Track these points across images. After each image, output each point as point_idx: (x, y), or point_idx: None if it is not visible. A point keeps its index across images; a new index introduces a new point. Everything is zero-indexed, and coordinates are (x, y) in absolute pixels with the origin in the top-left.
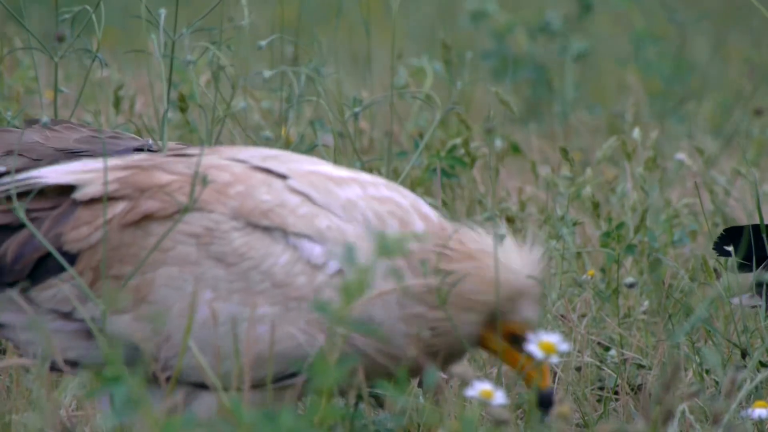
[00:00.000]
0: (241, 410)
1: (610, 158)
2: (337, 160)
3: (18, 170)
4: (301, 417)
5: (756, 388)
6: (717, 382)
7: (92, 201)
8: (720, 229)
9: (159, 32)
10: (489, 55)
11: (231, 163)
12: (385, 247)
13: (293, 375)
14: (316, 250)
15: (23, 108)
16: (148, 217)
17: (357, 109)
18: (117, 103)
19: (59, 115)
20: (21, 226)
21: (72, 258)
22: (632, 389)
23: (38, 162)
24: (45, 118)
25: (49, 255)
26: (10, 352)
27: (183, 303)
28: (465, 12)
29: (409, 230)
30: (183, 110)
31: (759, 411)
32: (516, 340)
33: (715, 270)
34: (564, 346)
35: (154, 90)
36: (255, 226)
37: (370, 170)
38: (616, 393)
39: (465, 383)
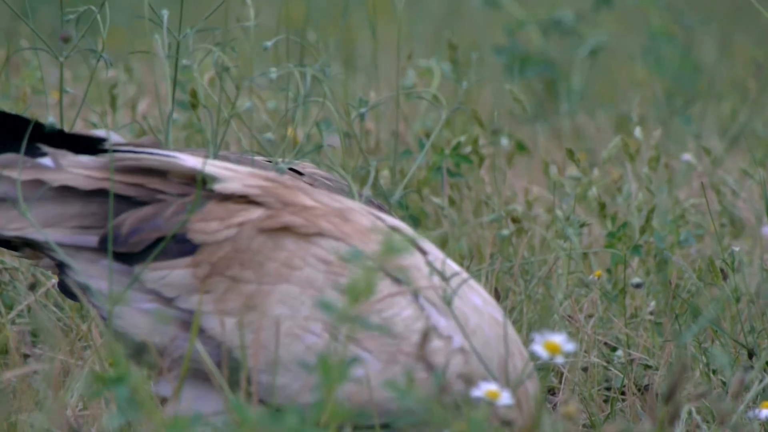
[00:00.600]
0: (245, 410)
1: (617, 158)
2: (343, 161)
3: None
4: (306, 417)
5: (763, 388)
6: (724, 383)
7: (228, 198)
8: (727, 230)
9: (163, 33)
10: (502, 51)
11: (370, 214)
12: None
13: (386, 426)
14: (441, 321)
15: (29, 107)
16: (286, 230)
17: (363, 110)
18: (113, 101)
19: (65, 116)
20: (145, 202)
21: (192, 248)
22: (639, 390)
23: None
24: (50, 119)
25: (166, 238)
26: (13, 356)
27: (293, 323)
28: (473, 8)
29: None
30: (194, 107)
31: (766, 412)
32: None
33: (722, 270)
34: (570, 346)
35: (159, 90)
36: (388, 274)
37: (377, 171)
38: (623, 393)
39: (470, 383)
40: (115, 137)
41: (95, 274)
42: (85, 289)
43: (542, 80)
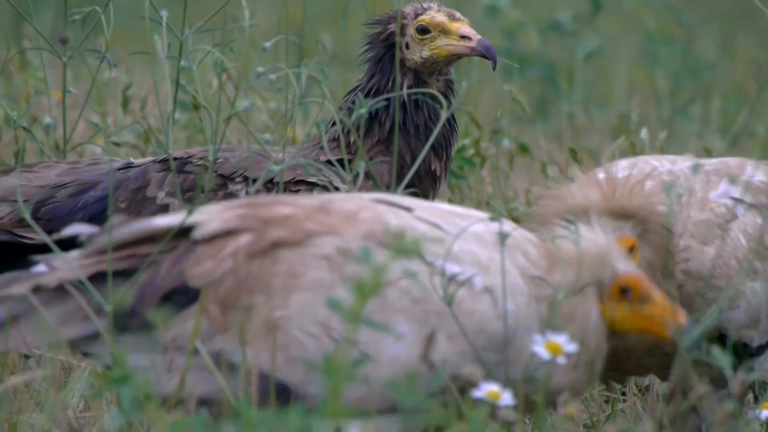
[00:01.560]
0: (248, 410)
1: (619, 158)
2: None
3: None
4: (310, 415)
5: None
6: (726, 384)
7: (213, 238)
8: None
9: (162, 33)
10: (499, 53)
11: (353, 196)
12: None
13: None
14: (454, 269)
15: (30, 108)
16: (276, 245)
17: (363, 110)
18: (125, 103)
19: (67, 116)
20: (136, 270)
21: (194, 294)
22: (640, 390)
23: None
24: (48, 119)
25: (170, 295)
26: (13, 356)
27: (315, 327)
28: (474, 9)
29: (527, 257)
30: (196, 108)
31: (767, 413)
32: (625, 293)
33: None
34: (571, 347)
35: (160, 91)
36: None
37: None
38: (623, 394)
39: (472, 384)
40: (85, 230)
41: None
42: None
43: (541, 81)
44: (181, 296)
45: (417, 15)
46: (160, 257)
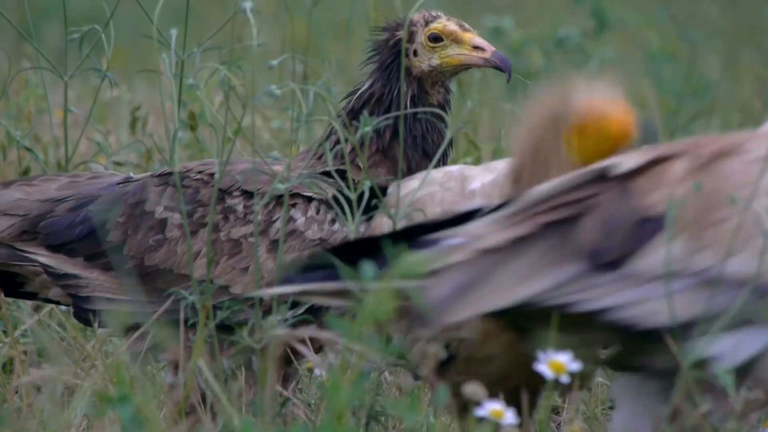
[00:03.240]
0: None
1: None
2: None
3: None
4: None
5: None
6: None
7: (639, 171)
8: None
9: (170, 52)
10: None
11: None
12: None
13: None
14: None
15: (33, 127)
16: (715, 158)
17: (367, 128)
18: (134, 123)
19: (69, 135)
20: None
21: (655, 224)
22: None
23: (26, 216)
24: (52, 136)
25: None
26: (18, 374)
27: None
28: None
29: None
30: (193, 129)
31: None
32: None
33: None
34: (574, 365)
35: (164, 109)
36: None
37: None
38: None
39: (475, 402)
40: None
41: (607, 293)
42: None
43: None
44: (644, 227)
45: (428, 22)
46: (589, 203)
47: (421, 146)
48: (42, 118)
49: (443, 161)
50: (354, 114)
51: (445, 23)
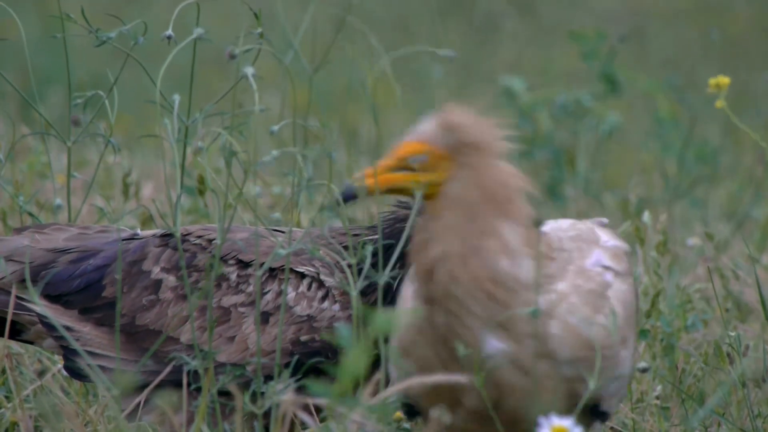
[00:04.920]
0: None
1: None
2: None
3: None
4: None
5: None
6: None
7: None
8: (732, 314)
9: (173, 117)
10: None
11: None
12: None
13: None
14: None
15: (36, 193)
16: None
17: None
18: (126, 189)
19: (72, 201)
20: None
21: None
22: None
23: (32, 264)
24: (58, 201)
25: None
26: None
27: None
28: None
29: None
30: (201, 193)
31: None
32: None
33: (728, 355)
34: (577, 430)
35: (166, 174)
36: None
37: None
38: None
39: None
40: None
41: None
42: None
43: (549, 163)
44: None
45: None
46: None
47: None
48: (44, 184)
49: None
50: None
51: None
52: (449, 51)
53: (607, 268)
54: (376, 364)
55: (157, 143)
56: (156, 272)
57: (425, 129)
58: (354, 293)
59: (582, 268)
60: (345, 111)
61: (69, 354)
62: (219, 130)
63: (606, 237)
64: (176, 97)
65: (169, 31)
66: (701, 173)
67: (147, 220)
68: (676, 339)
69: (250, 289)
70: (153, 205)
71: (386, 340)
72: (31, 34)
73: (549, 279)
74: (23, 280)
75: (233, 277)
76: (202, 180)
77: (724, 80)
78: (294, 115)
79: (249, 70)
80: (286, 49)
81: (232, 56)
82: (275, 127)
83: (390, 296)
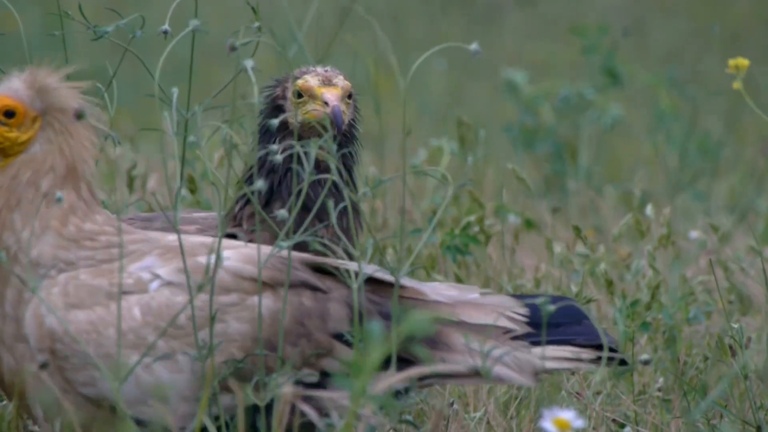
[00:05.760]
0: None
1: (627, 235)
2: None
3: None
4: None
5: None
6: None
7: None
8: (734, 306)
9: (172, 110)
10: (511, 128)
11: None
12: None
13: None
14: None
15: None
16: None
17: (367, 191)
18: (131, 182)
19: None
20: None
21: None
22: None
23: None
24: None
25: None
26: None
27: None
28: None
29: None
30: (192, 191)
31: None
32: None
33: (731, 347)
34: (579, 423)
35: (167, 168)
36: None
37: (384, 248)
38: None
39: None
40: None
41: None
42: None
43: (550, 157)
44: None
45: (296, 78)
46: None
47: (303, 202)
48: None
49: (346, 217)
50: (247, 179)
51: (308, 78)
52: (476, 46)
53: (156, 276)
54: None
55: (159, 137)
56: None
57: (16, 86)
58: (355, 286)
59: (118, 267)
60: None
61: None
62: (218, 123)
63: (228, 254)
64: (174, 90)
65: (166, 26)
66: (703, 166)
67: (147, 211)
68: (678, 331)
69: None
70: (154, 197)
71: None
72: (31, 28)
73: (68, 265)
74: None
75: None
76: (192, 180)
77: (744, 62)
78: (296, 108)
79: (249, 63)
80: (288, 41)
81: (233, 48)
82: (276, 120)
83: None
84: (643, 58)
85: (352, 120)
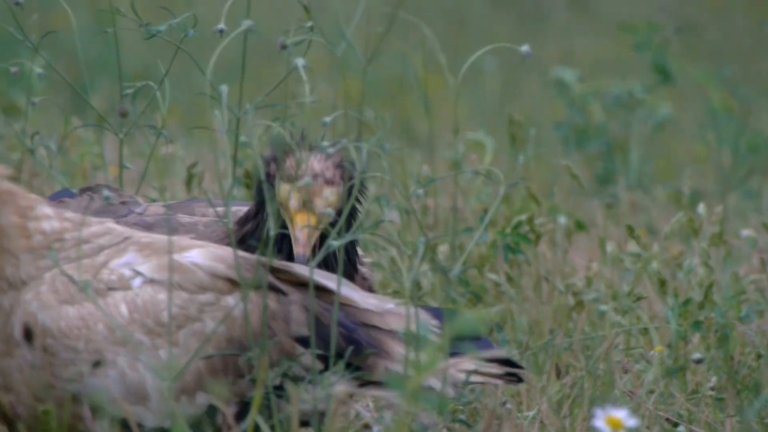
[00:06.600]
0: None
1: (678, 234)
2: (402, 236)
3: None
4: None
5: None
6: None
7: None
8: None
9: (223, 108)
10: (561, 126)
11: None
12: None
13: None
14: None
15: (91, 184)
16: None
17: (419, 191)
18: (189, 180)
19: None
20: None
21: None
22: None
23: None
24: (107, 192)
25: None
26: None
27: None
28: (530, 85)
29: None
30: (248, 187)
31: None
32: None
33: None
34: (632, 422)
35: (217, 166)
36: None
37: (435, 247)
38: None
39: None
40: None
41: None
42: None
43: (601, 155)
44: None
45: (288, 178)
46: None
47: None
48: (97, 175)
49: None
50: (240, 223)
51: (289, 195)
52: (527, 48)
53: (138, 273)
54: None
55: (210, 135)
56: None
57: None
58: (407, 284)
59: (97, 264)
60: (398, 103)
61: None
62: (269, 122)
63: (192, 253)
64: (224, 88)
65: (222, 25)
66: (755, 164)
67: None
68: (730, 330)
69: None
70: (206, 196)
71: None
72: (83, 25)
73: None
74: None
75: None
76: (248, 174)
77: None
78: (346, 107)
79: (300, 62)
80: (337, 40)
81: (284, 47)
82: (328, 119)
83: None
84: (694, 55)
85: (354, 205)
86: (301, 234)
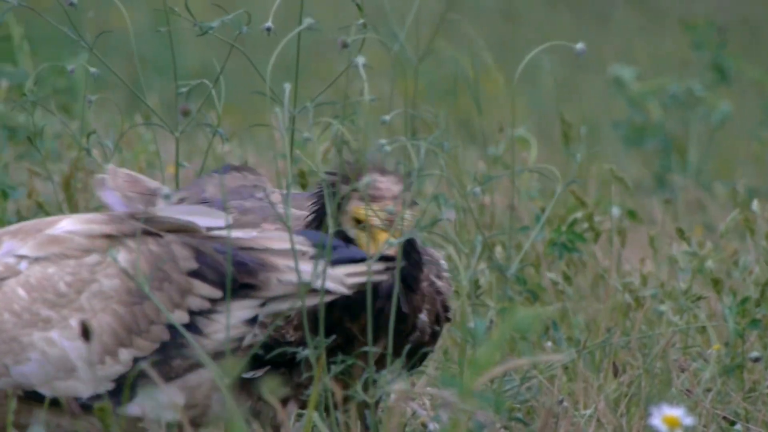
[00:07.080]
0: None
1: (734, 231)
2: (459, 235)
3: None
4: None
5: None
6: None
7: None
8: None
9: (283, 106)
10: (619, 125)
11: None
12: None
13: None
14: None
15: None
16: None
17: (476, 189)
18: None
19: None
20: None
21: None
22: None
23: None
24: (166, 189)
25: None
26: None
27: None
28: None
29: None
30: (303, 186)
31: None
32: None
33: None
34: (689, 420)
35: (276, 164)
36: None
37: (492, 245)
38: None
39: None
40: None
41: None
42: None
43: (659, 153)
44: None
45: (361, 198)
46: None
47: None
48: (153, 173)
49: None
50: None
51: (369, 214)
52: (581, 45)
53: (22, 256)
54: None
55: (267, 133)
56: None
57: None
58: (464, 282)
59: None
60: (455, 101)
61: None
62: (329, 119)
63: (67, 225)
64: (287, 86)
65: (269, 23)
66: None
67: None
68: None
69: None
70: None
71: None
72: (138, 24)
73: None
74: None
75: None
76: (303, 174)
77: None
78: (405, 105)
79: (360, 60)
80: (393, 38)
81: (345, 45)
82: (387, 117)
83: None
84: (753, 53)
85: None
86: (388, 251)
